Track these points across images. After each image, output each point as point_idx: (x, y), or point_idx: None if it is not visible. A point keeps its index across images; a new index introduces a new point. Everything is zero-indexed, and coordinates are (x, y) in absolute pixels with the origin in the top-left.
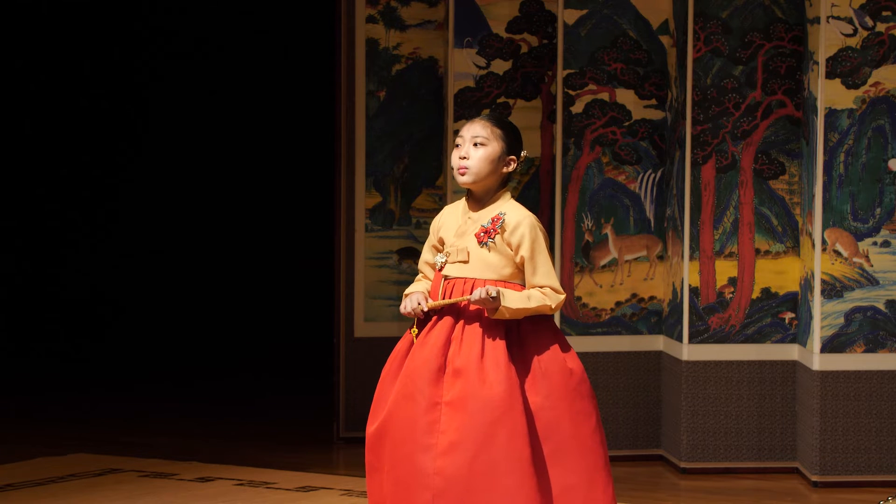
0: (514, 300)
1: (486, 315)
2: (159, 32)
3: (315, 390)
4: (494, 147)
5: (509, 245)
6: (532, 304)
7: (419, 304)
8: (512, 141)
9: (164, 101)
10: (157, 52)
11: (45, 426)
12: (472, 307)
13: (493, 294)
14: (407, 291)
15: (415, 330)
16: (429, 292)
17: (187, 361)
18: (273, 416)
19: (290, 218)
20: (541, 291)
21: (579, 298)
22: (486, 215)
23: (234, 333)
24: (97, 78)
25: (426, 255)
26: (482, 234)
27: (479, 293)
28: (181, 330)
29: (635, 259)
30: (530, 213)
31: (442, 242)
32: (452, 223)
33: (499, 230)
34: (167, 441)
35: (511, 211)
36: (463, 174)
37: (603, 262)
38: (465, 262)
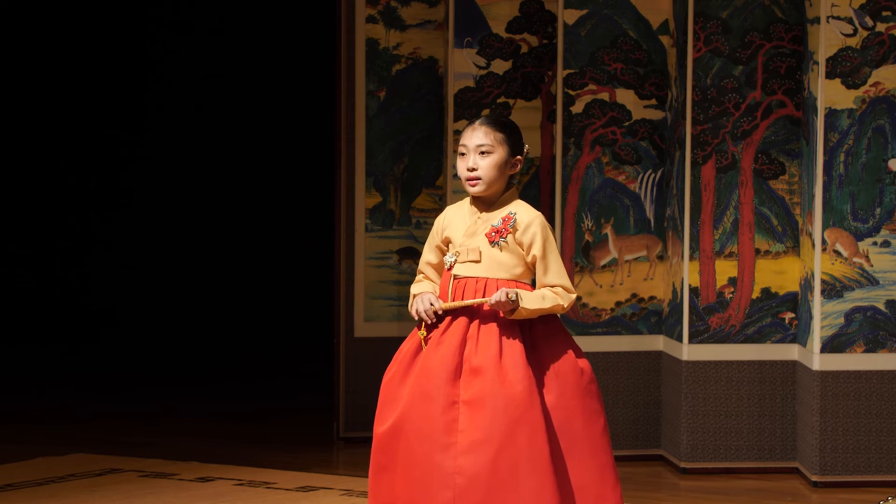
0: (531, 301)
1: (501, 316)
2: (158, 33)
3: (315, 390)
4: (500, 153)
5: (521, 245)
6: (547, 305)
7: (431, 304)
8: (515, 142)
9: (164, 102)
10: (157, 53)
11: (45, 426)
12: (486, 307)
13: (513, 297)
14: (414, 291)
15: (423, 332)
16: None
17: (187, 361)
18: (273, 416)
19: (289, 218)
20: (553, 291)
21: (579, 298)
22: (496, 215)
23: (235, 333)
24: (96, 81)
25: (428, 255)
26: (493, 233)
27: (498, 296)
28: (181, 330)
29: (635, 259)
30: (539, 213)
31: (447, 242)
32: (459, 223)
33: (510, 229)
34: (167, 441)
35: (521, 210)
36: (474, 185)
37: (603, 262)
38: (477, 261)
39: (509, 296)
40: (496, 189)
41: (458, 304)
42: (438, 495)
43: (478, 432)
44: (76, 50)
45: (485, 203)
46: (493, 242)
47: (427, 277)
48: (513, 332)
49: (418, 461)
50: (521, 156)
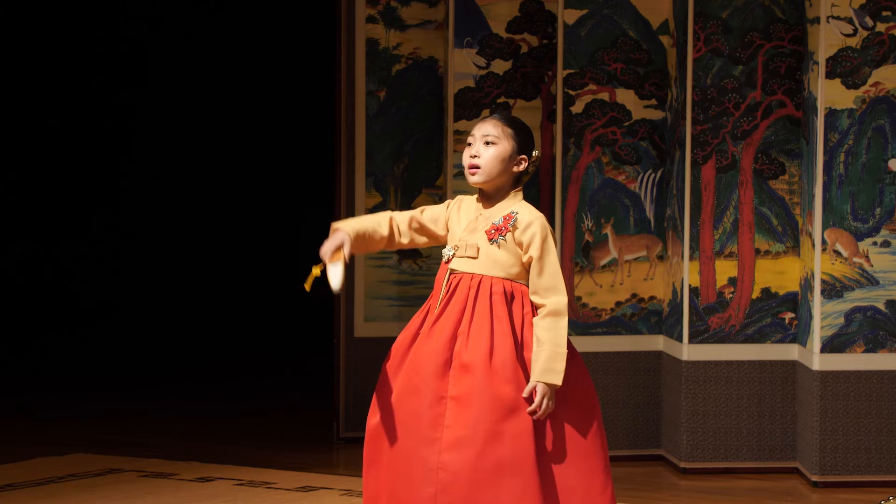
0: (554, 365)
1: (495, 310)
2: (159, 32)
3: (315, 390)
4: (505, 146)
5: (519, 244)
6: (562, 350)
7: (338, 248)
8: (523, 140)
9: (164, 101)
10: (157, 51)
11: (45, 426)
12: (488, 306)
13: (550, 398)
14: (337, 225)
15: (317, 272)
16: (434, 284)
17: (187, 361)
18: (273, 416)
19: (290, 218)
20: (550, 320)
21: (579, 298)
22: (497, 213)
23: (235, 333)
24: (96, 78)
25: (428, 211)
26: (493, 231)
27: (544, 404)
28: (181, 330)
29: (635, 259)
30: (541, 214)
31: (447, 229)
32: (464, 216)
33: (510, 228)
34: (167, 441)
35: (523, 210)
36: (474, 174)
37: (603, 262)
38: (475, 257)
39: (549, 403)
40: (497, 184)
41: (318, 274)
42: (421, 490)
43: (463, 429)
44: (75, 46)
45: (488, 200)
46: (492, 240)
47: (392, 219)
48: (504, 331)
49: (402, 454)
50: (528, 156)
